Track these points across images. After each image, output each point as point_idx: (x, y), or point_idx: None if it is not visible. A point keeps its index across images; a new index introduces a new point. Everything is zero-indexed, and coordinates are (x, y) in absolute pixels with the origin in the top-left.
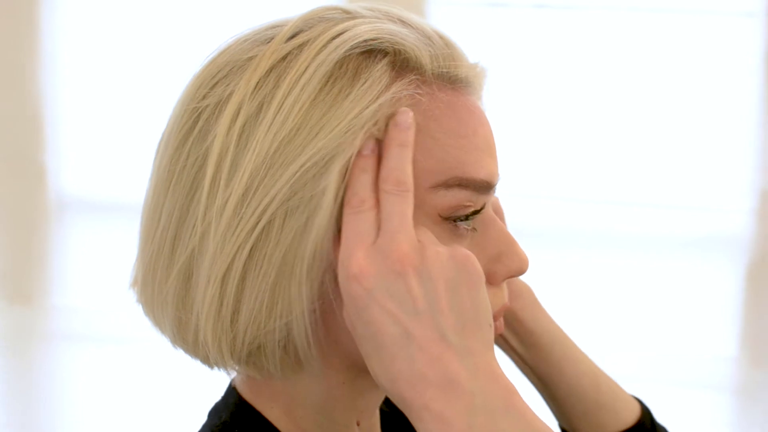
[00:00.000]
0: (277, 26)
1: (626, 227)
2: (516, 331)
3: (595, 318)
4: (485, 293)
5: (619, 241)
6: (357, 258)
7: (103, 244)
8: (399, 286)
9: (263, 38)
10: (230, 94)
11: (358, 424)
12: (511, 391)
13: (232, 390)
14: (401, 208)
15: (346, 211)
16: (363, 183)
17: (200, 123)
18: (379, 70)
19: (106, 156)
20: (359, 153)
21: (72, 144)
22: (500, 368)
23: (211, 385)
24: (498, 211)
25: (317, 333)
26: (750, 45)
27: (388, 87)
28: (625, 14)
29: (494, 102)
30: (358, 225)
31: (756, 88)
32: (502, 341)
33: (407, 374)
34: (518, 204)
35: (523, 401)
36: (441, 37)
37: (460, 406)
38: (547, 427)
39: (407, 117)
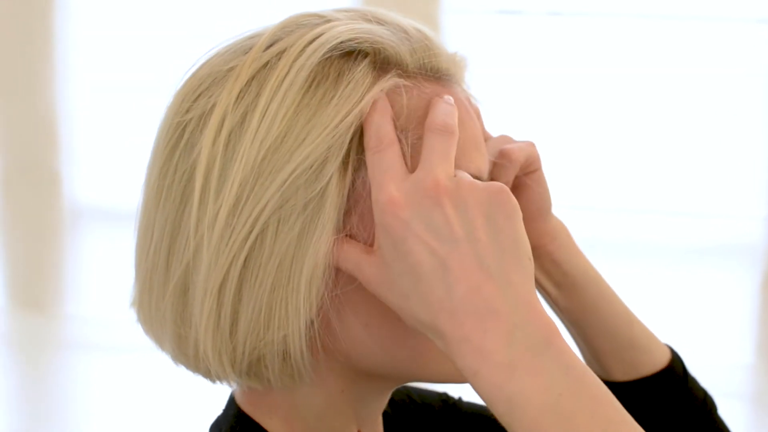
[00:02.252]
0: (255, 36)
1: (642, 235)
2: (551, 273)
3: None
4: (522, 226)
5: (634, 249)
6: (389, 190)
7: (118, 253)
8: (435, 214)
9: (242, 48)
10: (213, 106)
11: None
12: (551, 328)
13: (231, 402)
14: (444, 146)
15: (368, 155)
16: (378, 124)
17: (186, 136)
18: (361, 70)
19: (120, 164)
20: (372, 104)
21: (86, 152)
22: (540, 304)
23: (221, 395)
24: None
25: (316, 343)
26: (762, 51)
27: (371, 86)
28: (639, 21)
29: (508, 109)
30: (382, 163)
31: None
32: (535, 283)
33: (447, 305)
34: None
35: (563, 339)
36: (418, 30)
37: (500, 339)
38: (586, 367)
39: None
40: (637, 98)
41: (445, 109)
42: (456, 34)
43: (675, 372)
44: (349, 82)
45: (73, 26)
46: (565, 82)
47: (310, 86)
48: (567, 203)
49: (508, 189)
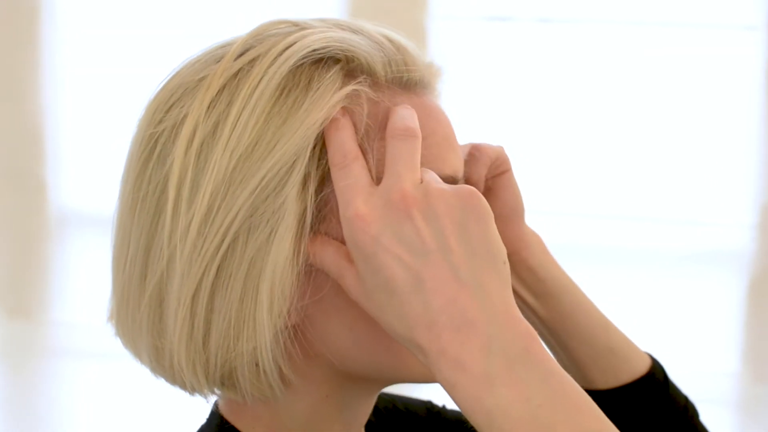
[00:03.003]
0: (227, 45)
1: (627, 242)
2: (526, 281)
3: None
4: (495, 229)
5: (620, 256)
6: (355, 205)
7: (104, 259)
8: (405, 227)
9: (213, 58)
10: (185, 116)
11: None
12: (529, 335)
13: (214, 413)
14: (407, 152)
15: (332, 171)
16: (341, 140)
17: (158, 148)
18: (331, 77)
19: (106, 170)
20: (332, 119)
21: (72, 158)
22: (518, 310)
23: (205, 404)
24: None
25: (295, 350)
26: (751, 58)
27: (338, 90)
28: (628, 28)
29: (496, 116)
30: (347, 178)
31: (757, 102)
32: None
33: (423, 319)
34: None
35: (542, 347)
36: (392, 41)
37: (477, 350)
38: (566, 374)
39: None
40: (625, 105)
41: (403, 114)
42: (443, 41)
43: (655, 378)
44: (318, 88)
45: (60, 33)
46: (553, 89)
47: (281, 94)
48: (553, 209)
49: (478, 192)
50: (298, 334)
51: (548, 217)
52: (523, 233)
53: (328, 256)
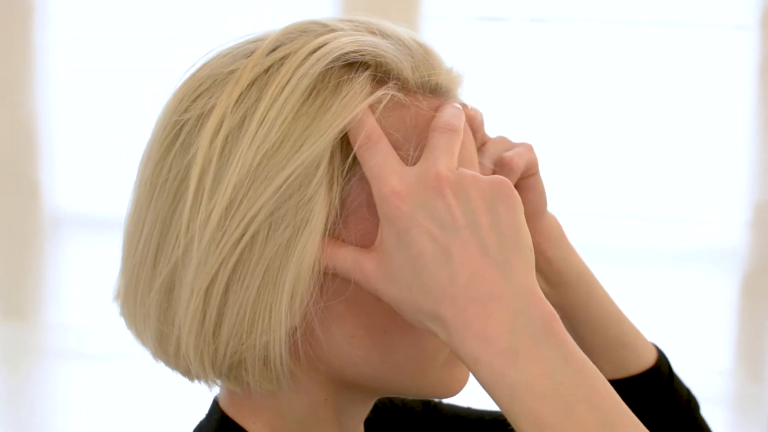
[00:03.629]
0: (258, 40)
1: (620, 240)
2: (543, 270)
3: None
4: (524, 218)
5: (613, 254)
6: (391, 183)
7: (98, 260)
8: (438, 204)
9: (244, 52)
10: (212, 107)
11: None
12: (552, 316)
13: (215, 406)
14: (447, 143)
15: (359, 153)
16: (363, 122)
17: (182, 136)
18: (361, 82)
19: (100, 172)
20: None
21: (66, 160)
22: (541, 292)
23: (203, 401)
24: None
25: (299, 350)
26: (743, 58)
27: (368, 96)
28: (620, 27)
29: (489, 115)
30: (376, 157)
31: (749, 101)
32: None
33: (449, 292)
34: None
35: (563, 328)
36: (420, 45)
37: (502, 325)
38: (586, 357)
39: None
40: (617, 104)
41: (451, 112)
42: (436, 42)
43: (661, 372)
44: (348, 93)
45: (53, 35)
46: (546, 89)
47: (310, 94)
48: (549, 208)
49: (510, 182)
50: (307, 335)
51: None
52: (546, 225)
53: (341, 253)
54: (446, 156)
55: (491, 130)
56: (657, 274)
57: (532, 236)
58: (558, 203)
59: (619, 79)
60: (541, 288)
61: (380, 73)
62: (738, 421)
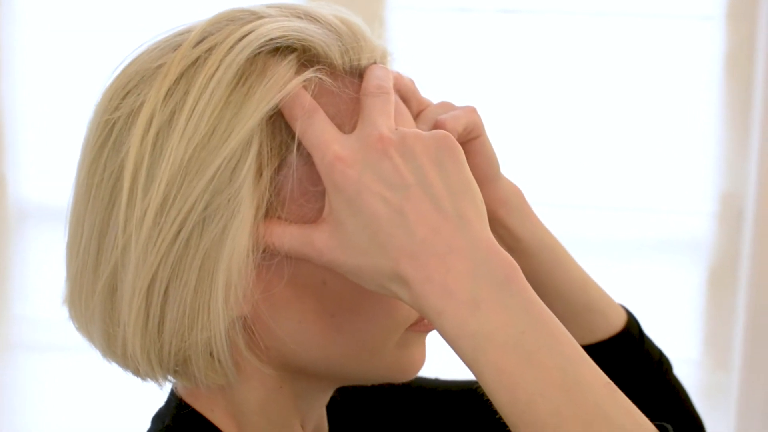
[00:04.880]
0: (185, 32)
1: (586, 230)
2: (503, 238)
3: None
4: (469, 170)
5: (579, 244)
6: (333, 149)
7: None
8: (384, 165)
9: (172, 45)
10: (142, 104)
11: (302, 427)
12: (512, 265)
13: (173, 395)
14: (382, 104)
15: (297, 125)
16: (296, 95)
17: (114, 134)
18: (286, 65)
19: (66, 164)
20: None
21: (32, 152)
22: (497, 242)
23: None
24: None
25: (244, 342)
26: (709, 48)
27: (292, 78)
28: (587, 19)
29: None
30: (314, 127)
31: (715, 92)
32: None
33: (407, 249)
34: None
35: (522, 276)
36: (349, 27)
37: (463, 276)
38: (545, 306)
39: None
40: (583, 95)
41: (378, 74)
42: (402, 32)
43: (631, 334)
44: (273, 76)
45: (17, 26)
46: (513, 80)
47: (237, 83)
48: None
49: (451, 135)
50: (250, 326)
51: None
52: (500, 192)
53: (287, 232)
54: (384, 117)
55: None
56: (623, 264)
57: (487, 202)
58: (528, 194)
59: (586, 70)
60: None
61: (307, 56)
62: (705, 410)
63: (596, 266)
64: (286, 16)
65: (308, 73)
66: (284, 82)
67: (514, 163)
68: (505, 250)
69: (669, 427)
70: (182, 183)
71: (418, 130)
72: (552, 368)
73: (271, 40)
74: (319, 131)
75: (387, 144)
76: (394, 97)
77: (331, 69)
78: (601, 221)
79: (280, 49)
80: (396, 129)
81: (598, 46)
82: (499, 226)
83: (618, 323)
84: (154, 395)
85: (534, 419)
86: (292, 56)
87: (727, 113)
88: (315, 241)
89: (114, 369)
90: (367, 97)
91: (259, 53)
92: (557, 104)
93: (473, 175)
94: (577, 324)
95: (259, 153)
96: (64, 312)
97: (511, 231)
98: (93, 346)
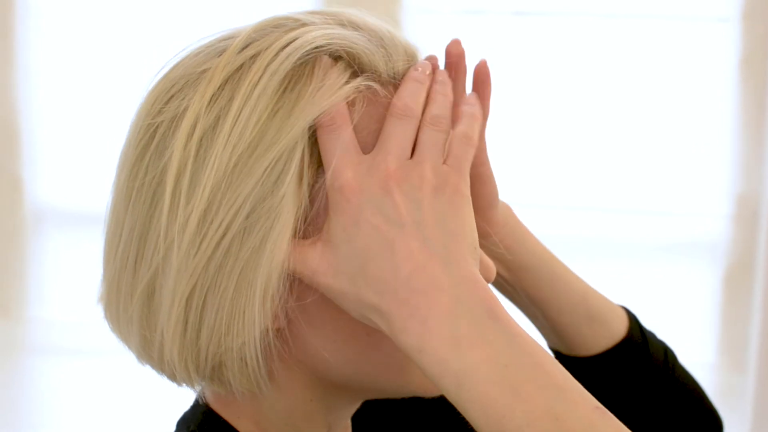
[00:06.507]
0: (230, 38)
1: (602, 233)
2: (502, 258)
3: None
4: (471, 216)
5: (594, 247)
6: (345, 176)
7: (81, 256)
8: (385, 201)
9: (216, 51)
10: (185, 109)
11: None
12: (493, 300)
13: (199, 400)
14: (401, 131)
15: (320, 134)
16: (331, 104)
17: (156, 138)
18: (337, 73)
19: (83, 167)
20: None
21: (48, 155)
22: (483, 280)
23: (187, 397)
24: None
25: (277, 352)
26: (724, 50)
27: (342, 87)
28: (602, 21)
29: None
30: (336, 143)
31: (731, 93)
32: None
33: (392, 284)
34: None
35: (505, 311)
36: (390, 34)
37: (443, 313)
38: (528, 335)
39: (426, 65)
40: (599, 97)
41: (410, 90)
42: (418, 35)
43: (634, 340)
44: (321, 87)
45: (34, 29)
46: (528, 82)
47: (284, 90)
48: (527, 201)
49: (461, 182)
50: (284, 338)
51: (522, 209)
52: (499, 214)
53: (293, 252)
54: (398, 147)
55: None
56: (639, 267)
57: (488, 227)
58: (537, 197)
59: (601, 72)
60: (503, 275)
61: (353, 65)
62: (721, 413)
63: (612, 269)
64: (329, 24)
65: (360, 81)
66: (334, 92)
67: (530, 166)
68: (505, 269)
69: None
70: (227, 190)
71: (425, 168)
72: (539, 398)
73: (317, 48)
74: (340, 149)
75: (391, 181)
76: (417, 120)
77: (377, 76)
78: (616, 224)
79: (327, 57)
80: (408, 160)
81: (613, 48)
82: (499, 247)
83: (621, 330)
84: (173, 400)
85: None
86: (339, 65)
87: (743, 115)
88: (308, 260)
89: (131, 372)
90: (390, 117)
91: (304, 61)
92: (573, 107)
93: (476, 202)
94: (581, 335)
95: (302, 161)
96: (97, 311)
97: (511, 250)
98: (128, 348)
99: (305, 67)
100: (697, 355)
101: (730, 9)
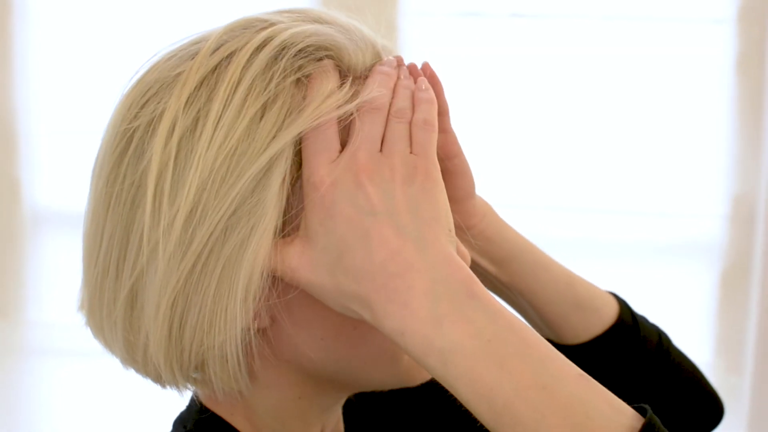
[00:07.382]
0: (201, 40)
1: (599, 234)
2: (485, 250)
3: None
4: (445, 200)
5: (591, 248)
6: (320, 174)
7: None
8: (358, 193)
9: (188, 54)
10: (162, 111)
11: (322, 431)
12: (472, 281)
13: (194, 399)
14: (370, 125)
15: (306, 137)
16: (320, 101)
17: (134, 143)
18: (325, 77)
19: (81, 169)
20: None
21: (46, 157)
22: (459, 259)
23: (184, 398)
24: None
25: (258, 351)
26: (720, 52)
27: (330, 94)
28: (598, 23)
29: (468, 111)
30: (316, 142)
31: (727, 94)
32: (472, 265)
33: (368, 270)
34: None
35: (485, 290)
36: (360, 30)
37: (423, 294)
38: (510, 313)
39: (391, 61)
40: (596, 100)
41: (378, 84)
42: (415, 38)
43: (625, 324)
44: (314, 95)
45: (32, 32)
46: (526, 84)
47: (273, 95)
48: (524, 203)
49: (430, 167)
50: (268, 338)
51: (519, 210)
52: (477, 207)
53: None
54: (368, 141)
55: (467, 126)
56: (636, 268)
57: (467, 218)
58: (534, 198)
59: (598, 74)
60: (488, 269)
61: (342, 66)
62: None
63: (609, 270)
64: (297, 21)
65: (348, 86)
66: (327, 95)
67: (527, 168)
68: (490, 261)
69: (647, 407)
70: (213, 190)
71: (395, 157)
72: (524, 370)
73: (291, 44)
74: (319, 147)
75: (362, 175)
76: (385, 112)
77: (355, 71)
78: (613, 225)
79: (301, 54)
80: (378, 152)
81: (610, 49)
82: (480, 239)
83: (610, 315)
84: (170, 400)
85: (514, 421)
86: (327, 64)
87: (739, 116)
88: (288, 257)
89: (129, 374)
90: (360, 113)
91: (280, 59)
92: (569, 108)
93: (451, 194)
94: (570, 323)
95: (286, 162)
96: (79, 318)
97: (491, 240)
98: (111, 353)
99: (282, 65)
100: (694, 355)
101: (725, 10)
